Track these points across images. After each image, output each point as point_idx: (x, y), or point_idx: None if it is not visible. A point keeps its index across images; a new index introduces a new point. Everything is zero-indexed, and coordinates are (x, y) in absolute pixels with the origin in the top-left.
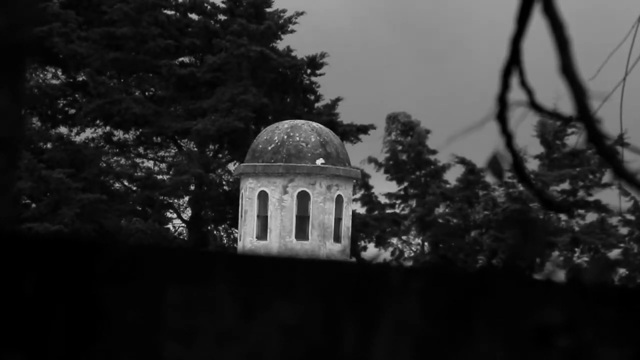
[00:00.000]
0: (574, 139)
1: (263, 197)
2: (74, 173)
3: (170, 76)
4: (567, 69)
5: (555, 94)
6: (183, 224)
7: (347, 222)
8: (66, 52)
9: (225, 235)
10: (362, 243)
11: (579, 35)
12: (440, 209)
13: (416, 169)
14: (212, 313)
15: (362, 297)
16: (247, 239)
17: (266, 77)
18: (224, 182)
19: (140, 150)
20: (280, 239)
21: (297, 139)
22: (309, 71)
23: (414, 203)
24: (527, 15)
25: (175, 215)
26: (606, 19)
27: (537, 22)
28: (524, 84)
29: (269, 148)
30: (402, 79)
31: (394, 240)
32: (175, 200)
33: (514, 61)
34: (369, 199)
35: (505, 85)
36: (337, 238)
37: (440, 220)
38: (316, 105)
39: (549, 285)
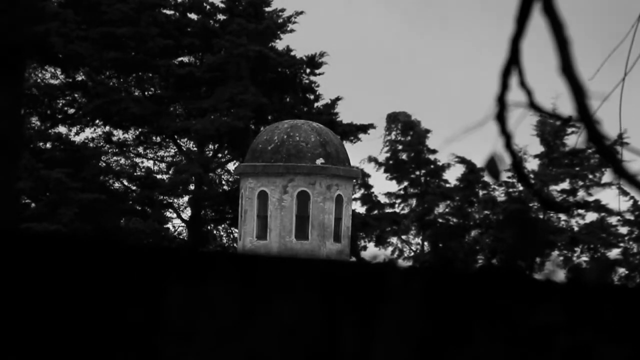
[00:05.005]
0: (574, 138)
1: (263, 197)
2: (73, 173)
3: (169, 76)
4: (567, 69)
5: (555, 94)
6: (183, 224)
7: (346, 222)
8: (65, 52)
9: (225, 235)
10: (362, 243)
11: (579, 35)
12: (440, 209)
13: (416, 168)
14: (212, 313)
15: (362, 297)
16: (247, 238)
17: (265, 76)
18: (223, 182)
19: (140, 149)
20: (280, 238)
21: (297, 138)
22: (308, 70)
23: (413, 202)
24: (527, 15)
25: (175, 215)
26: (606, 19)
27: (538, 22)
28: (523, 84)
29: (269, 148)
30: (402, 78)
31: (394, 240)
32: (175, 200)
33: (513, 61)
34: (368, 199)
35: (504, 86)
36: (337, 238)
37: (440, 220)
38: (316, 104)
39: (549, 285)
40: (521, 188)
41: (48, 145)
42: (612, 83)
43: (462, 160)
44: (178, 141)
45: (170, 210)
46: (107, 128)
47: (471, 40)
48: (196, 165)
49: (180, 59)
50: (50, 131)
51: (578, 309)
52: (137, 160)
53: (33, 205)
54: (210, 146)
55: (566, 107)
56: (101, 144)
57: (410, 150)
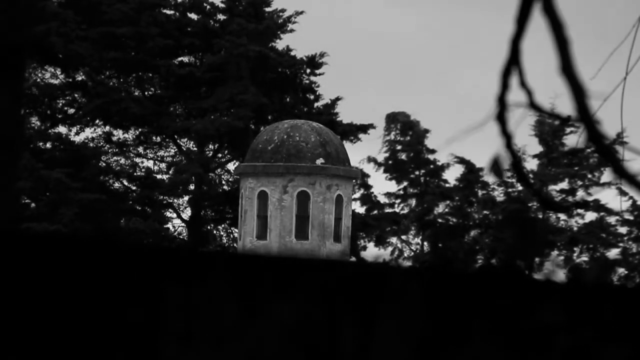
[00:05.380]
0: (573, 138)
1: (263, 197)
2: (74, 173)
3: (169, 76)
4: (567, 69)
5: (554, 94)
6: (183, 224)
7: (346, 222)
8: (65, 52)
9: (225, 235)
10: (362, 243)
11: (579, 35)
12: (439, 209)
13: (415, 168)
14: (212, 313)
15: (362, 297)
16: (247, 238)
17: (265, 76)
18: (223, 182)
19: (140, 149)
20: (280, 238)
21: (297, 138)
22: (308, 71)
23: (413, 202)
24: (527, 15)
25: (175, 215)
26: (606, 19)
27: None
28: (523, 84)
29: (269, 148)
30: (402, 77)
31: (394, 240)
32: (175, 200)
33: (513, 61)
34: (368, 199)
35: (505, 86)
36: (337, 238)
37: (440, 220)
38: (316, 104)
39: (549, 285)
40: (520, 188)
41: (48, 145)
42: (612, 83)
43: (462, 160)
44: (178, 141)
45: (170, 210)
46: (107, 128)
47: (471, 40)
48: (196, 165)
49: (180, 59)
50: (50, 131)
51: (578, 309)
52: (137, 160)
53: (33, 205)
54: (210, 146)
55: (566, 107)
56: (101, 144)
57: (410, 150)
